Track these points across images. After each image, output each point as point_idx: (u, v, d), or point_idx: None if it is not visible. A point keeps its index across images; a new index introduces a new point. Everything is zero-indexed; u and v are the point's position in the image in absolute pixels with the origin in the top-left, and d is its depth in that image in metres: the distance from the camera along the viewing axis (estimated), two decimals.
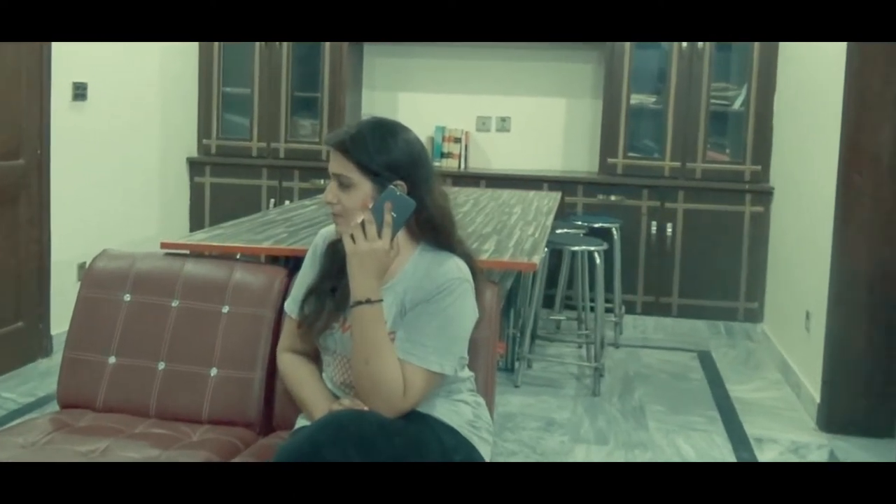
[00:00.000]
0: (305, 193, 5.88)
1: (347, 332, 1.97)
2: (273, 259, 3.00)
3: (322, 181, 5.89)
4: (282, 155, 6.11)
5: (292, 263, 2.62)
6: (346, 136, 1.94)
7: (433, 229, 1.98)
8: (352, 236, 1.88)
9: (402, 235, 1.96)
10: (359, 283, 1.88)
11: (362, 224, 1.87)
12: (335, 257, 2.02)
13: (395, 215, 1.88)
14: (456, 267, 1.96)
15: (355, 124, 1.97)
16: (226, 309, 2.36)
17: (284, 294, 2.29)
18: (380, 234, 1.87)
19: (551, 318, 5.46)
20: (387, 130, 1.95)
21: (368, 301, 1.87)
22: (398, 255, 1.93)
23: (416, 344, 1.90)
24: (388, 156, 1.92)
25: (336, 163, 1.95)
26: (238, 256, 2.96)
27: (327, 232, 2.13)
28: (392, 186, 1.89)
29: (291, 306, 2.12)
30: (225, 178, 6.13)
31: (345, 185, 1.94)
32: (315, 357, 2.12)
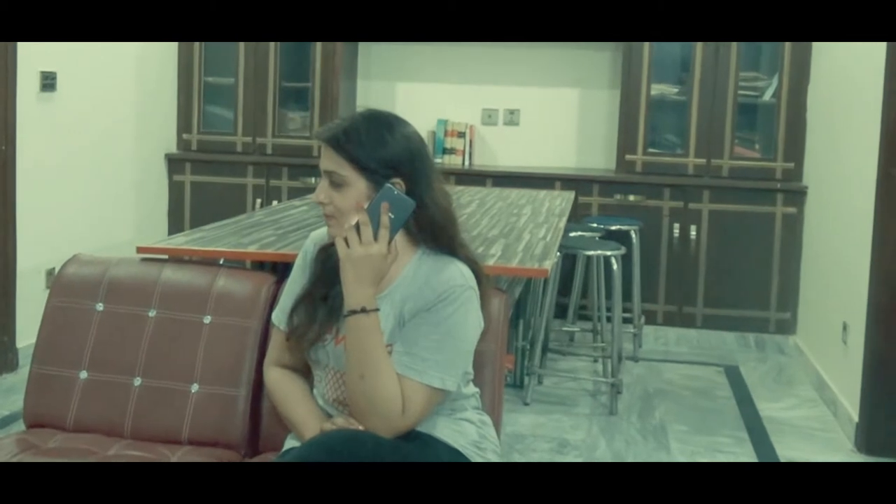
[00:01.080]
0: (295, 193, 5.89)
1: (341, 344, 1.97)
2: (260, 265, 3.00)
3: (313, 180, 5.90)
4: (269, 151, 6.11)
5: (281, 270, 2.62)
6: (339, 129, 1.94)
7: (434, 231, 1.98)
8: (345, 239, 1.88)
9: (400, 238, 1.97)
10: (353, 290, 1.88)
11: (356, 226, 1.87)
12: (327, 263, 2.03)
13: (392, 216, 1.88)
14: (459, 273, 1.96)
15: (349, 117, 1.97)
16: (208, 319, 2.36)
17: (272, 303, 2.29)
18: (376, 237, 1.87)
19: (564, 329, 5.46)
20: (383, 123, 1.96)
21: (364, 310, 1.87)
22: (396, 260, 1.93)
23: (416, 357, 1.90)
24: (384, 151, 1.92)
25: (328, 159, 1.95)
26: (221, 262, 2.96)
27: (318, 235, 2.13)
28: (389, 185, 1.90)
29: (279, 316, 2.12)
30: (207, 176, 6.14)
31: (337, 183, 1.94)
32: (305, 372, 2.12)
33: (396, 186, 1.91)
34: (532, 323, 4.70)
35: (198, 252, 2.89)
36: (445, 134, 6.28)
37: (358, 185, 1.93)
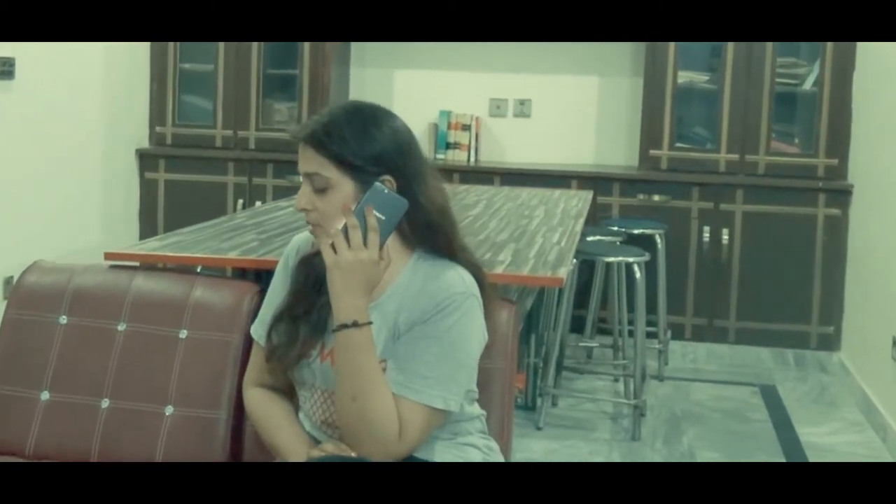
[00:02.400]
0: (281, 192, 5.90)
1: (328, 360, 1.97)
2: (241, 273, 3.01)
3: (301, 178, 5.90)
4: (252, 146, 6.12)
5: (265, 278, 2.62)
6: (318, 126, 1.94)
7: (430, 232, 1.98)
8: (332, 245, 1.88)
9: (393, 242, 1.97)
10: (342, 301, 1.88)
11: (344, 230, 1.88)
12: (311, 269, 2.03)
13: (383, 217, 1.88)
14: (459, 279, 1.96)
15: (328, 112, 1.98)
16: (184, 334, 2.37)
17: (255, 315, 2.29)
18: (366, 242, 1.88)
19: (581, 344, 5.46)
20: (368, 117, 1.96)
21: (355, 324, 1.87)
22: (389, 266, 1.94)
23: (413, 375, 1.91)
24: (371, 147, 1.93)
25: (308, 160, 1.95)
26: (199, 269, 2.96)
27: (302, 238, 2.14)
28: (378, 183, 1.90)
29: (259, 331, 2.13)
30: (183, 173, 6.15)
31: (320, 186, 1.94)
32: (289, 392, 2.12)
33: (386, 185, 1.91)
34: (545, 338, 4.70)
35: (172, 258, 2.90)
36: (449, 127, 6.29)
37: (344, 187, 1.93)
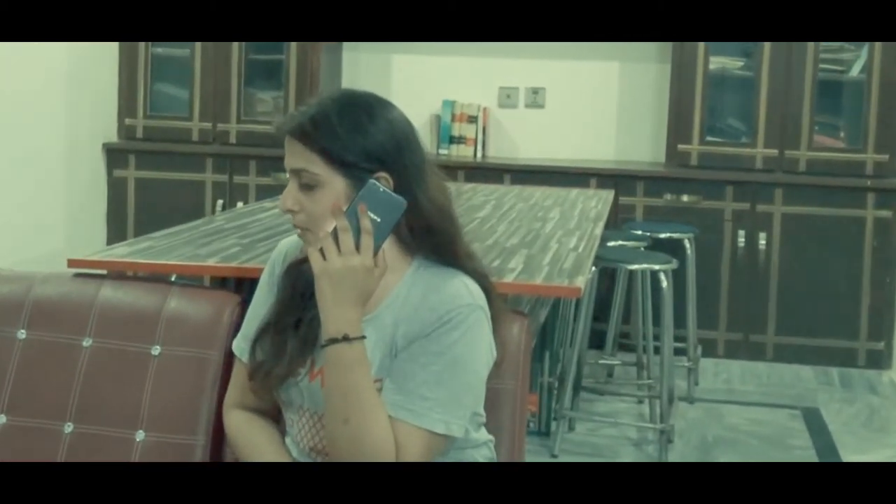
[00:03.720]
0: (265, 192, 5.91)
1: (317, 379, 1.97)
2: (221, 282, 3.01)
3: (286, 175, 5.91)
4: (233, 140, 6.13)
5: (248, 288, 2.63)
6: (306, 117, 1.94)
7: (431, 237, 1.98)
8: (321, 251, 1.89)
9: (390, 247, 1.96)
10: (332, 313, 1.88)
11: (334, 233, 1.88)
12: (300, 277, 2.03)
13: (378, 219, 1.88)
14: (464, 289, 1.96)
15: (316, 102, 1.98)
16: (156, 350, 2.37)
17: (236, 329, 2.30)
18: (358, 246, 1.88)
19: (601, 362, 5.46)
20: (361, 107, 1.96)
21: (346, 338, 1.87)
22: (385, 274, 1.94)
23: (413, 395, 1.91)
24: (365, 140, 1.93)
25: (294, 155, 1.95)
26: (174, 278, 2.96)
27: (290, 243, 2.14)
28: (373, 181, 1.91)
29: (241, 346, 2.13)
30: (155, 170, 6.16)
31: (308, 184, 1.94)
32: (274, 415, 2.12)
33: (382, 182, 1.91)
34: (561, 355, 4.70)
35: (144, 266, 2.91)
36: (453, 119, 6.30)
37: (334, 185, 1.93)
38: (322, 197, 1.93)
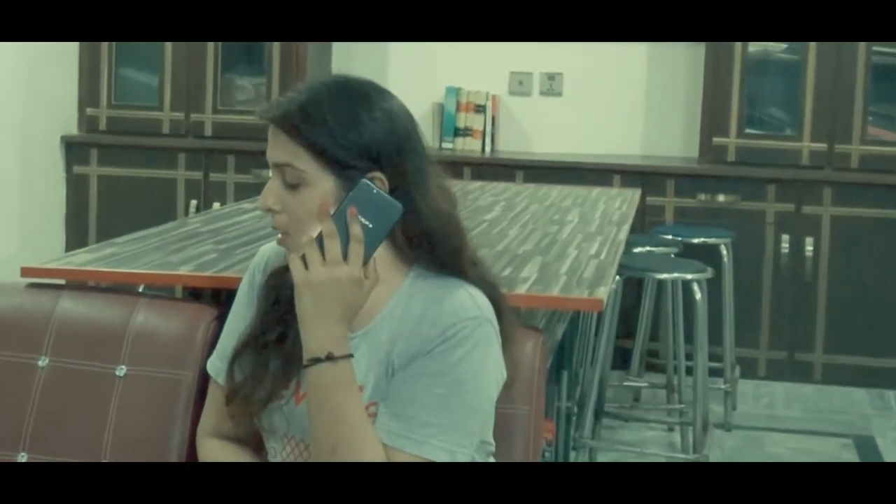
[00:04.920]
0: (245, 191, 5.91)
1: (303, 403, 1.98)
2: (195, 293, 3.01)
3: (268, 173, 5.91)
4: (208, 132, 6.14)
5: (225, 300, 2.63)
6: (294, 105, 1.94)
7: (431, 245, 1.98)
8: (303, 258, 1.88)
9: (383, 255, 1.96)
10: (314, 330, 1.88)
11: (319, 239, 1.88)
12: (284, 287, 2.03)
13: (370, 225, 1.87)
14: (470, 300, 1.96)
15: (307, 88, 1.97)
16: (122, 371, 2.37)
17: (212, 347, 2.30)
18: (345, 255, 1.88)
19: (626, 384, 5.46)
20: (356, 96, 1.96)
21: (330, 357, 1.87)
22: (377, 285, 1.93)
23: (412, 422, 1.90)
24: (360, 134, 1.92)
25: (279, 147, 1.95)
26: (141, 289, 2.96)
27: (271, 250, 2.14)
28: (366, 181, 1.90)
29: (217, 366, 2.13)
30: (121, 167, 6.17)
31: (293, 182, 1.94)
32: (255, 444, 2.12)
33: (376, 183, 1.91)
34: (581, 376, 4.69)
35: (108, 275, 2.90)
36: (458, 108, 6.30)
37: (322, 184, 1.92)
38: (307, 197, 1.93)
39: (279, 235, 2.00)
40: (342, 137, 1.92)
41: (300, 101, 1.94)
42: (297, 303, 1.89)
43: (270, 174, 1.99)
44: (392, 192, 1.92)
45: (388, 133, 1.95)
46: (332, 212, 1.87)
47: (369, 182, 1.89)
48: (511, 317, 2.06)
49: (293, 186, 1.94)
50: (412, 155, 1.97)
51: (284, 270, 2.02)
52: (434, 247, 1.98)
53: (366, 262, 1.88)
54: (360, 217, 1.87)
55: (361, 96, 1.96)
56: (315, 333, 1.88)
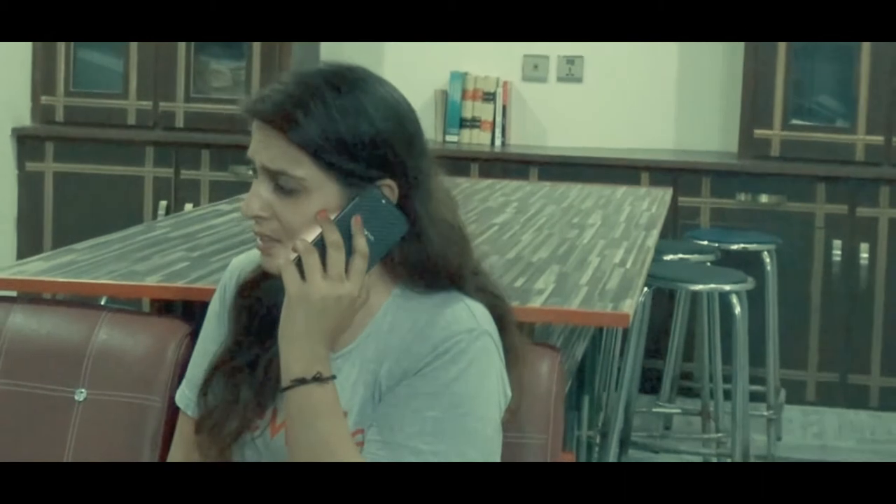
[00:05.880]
0: (221, 190, 5.91)
1: (281, 434, 1.98)
2: (165, 307, 3.02)
3: (249, 170, 5.92)
4: (180, 123, 6.14)
5: (198, 314, 2.64)
6: (289, 99, 1.90)
7: (428, 261, 1.96)
8: (297, 266, 1.88)
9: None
10: (299, 347, 1.88)
11: (319, 245, 1.86)
12: (257, 302, 2.04)
13: (372, 238, 1.87)
14: (466, 311, 1.96)
15: (295, 77, 1.93)
16: (81, 395, 2.37)
17: (184, 367, 2.31)
18: (347, 271, 1.87)
19: (656, 410, 5.46)
20: (359, 87, 1.92)
21: (318, 378, 1.88)
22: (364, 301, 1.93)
23: (403, 449, 1.90)
24: (367, 133, 1.89)
25: (270, 150, 1.91)
26: (103, 302, 2.96)
27: (243, 262, 2.14)
28: (375, 189, 1.88)
29: (186, 397, 2.13)
30: (80, 163, 6.17)
31: (288, 188, 1.92)
32: None
33: (385, 191, 1.90)
34: (603, 401, 4.70)
35: (65, 286, 2.91)
36: (464, 96, 6.30)
37: (323, 192, 1.90)
38: (305, 205, 1.90)
39: (259, 241, 1.96)
40: (349, 136, 1.89)
41: (295, 93, 1.90)
42: (285, 317, 1.89)
43: (254, 173, 1.95)
44: (399, 202, 1.91)
45: (397, 131, 1.92)
46: (333, 217, 1.87)
47: (379, 190, 1.89)
48: (518, 333, 2.06)
49: (287, 192, 1.91)
50: (420, 156, 1.95)
51: (258, 281, 2.03)
52: (432, 263, 1.96)
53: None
54: (362, 229, 1.87)
55: (364, 87, 1.93)
56: (300, 352, 1.88)
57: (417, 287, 1.99)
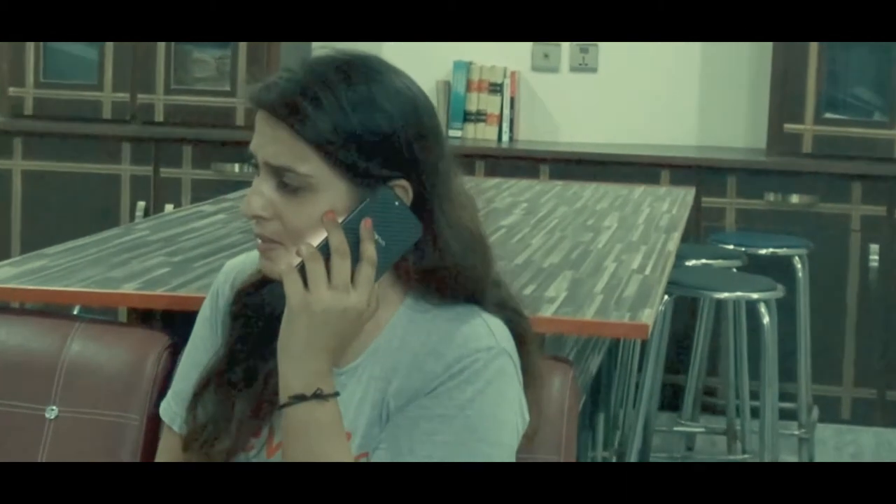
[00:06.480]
0: (205, 190, 5.90)
1: (277, 456, 1.98)
2: (144, 317, 3.02)
3: (236, 167, 5.92)
4: (160, 117, 6.14)
5: (181, 324, 2.64)
6: (296, 87, 1.88)
7: (445, 271, 1.96)
8: (301, 273, 1.87)
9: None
10: (300, 362, 1.87)
11: (325, 251, 1.84)
12: (255, 309, 2.04)
13: (383, 243, 1.86)
14: (483, 328, 1.96)
15: (309, 64, 1.92)
16: (53, 412, 2.37)
17: (164, 383, 2.31)
18: (354, 279, 1.86)
19: (677, 429, 5.46)
20: (372, 77, 1.90)
21: (318, 395, 1.87)
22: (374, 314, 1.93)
23: None
24: (381, 128, 1.87)
25: (276, 145, 1.89)
26: (77, 311, 2.96)
27: (238, 265, 2.13)
28: (388, 189, 1.87)
29: (172, 411, 2.13)
30: (51, 160, 6.17)
31: (292, 186, 1.90)
32: None
33: (398, 192, 1.88)
34: (621, 418, 4.70)
35: (35, 294, 2.91)
36: (469, 88, 6.31)
37: (332, 191, 1.88)
38: (311, 205, 1.89)
39: (260, 243, 1.94)
40: (360, 131, 1.87)
41: (303, 81, 1.89)
42: (285, 328, 1.88)
43: (256, 169, 1.93)
44: (414, 204, 1.89)
45: (413, 128, 1.90)
46: (341, 220, 1.85)
47: (392, 191, 1.88)
48: (536, 350, 2.06)
49: (293, 190, 1.89)
50: (438, 155, 1.94)
51: (256, 286, 2.02)
52: (449, 273, 1.95)
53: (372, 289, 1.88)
54: (371, 233, 1.85)
55: (378, 77, 1.91)
56: (301, 367, 1.87)
57: (431, 298, 1.98)
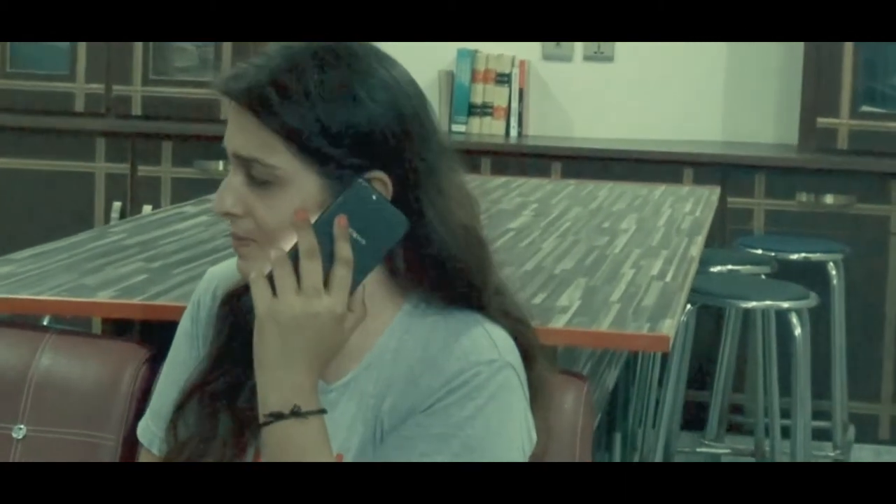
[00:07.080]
0: (187, 190, 5.91)
1: None
2: (120, 328, 3.02)
3: (220, 165, 5.93)
4: (137, 110, 6.15)
5: (158, 336, 2.64)
6: (264, 76, 1.91)
7: (442, 273, 1.96)
8: (269, 279, 1.88)
9: (372, 279, 1.94)
10: (275, 376, 1.87)
11: (293, 256, 1.85)
12: (240, 318, 2.04)
13: (363, 241, 1.86)
14: (485, 339, 1.96)
15: (280, 52, 1.94)
16: (20, 432, 2.38)
17: (142, 399, 2.31)
18: (327, 282, 1.86)
19: (701, 450, 5.46)
20: (350, 66, 1.92)
21: (296, 412, 1.87)
22: (363, 321, 1.93)
23: None
24: (355, 117, 1.89)
25: (244, 135, 1.92)
26: (46, 321, 2.96)
27: (222, 272, 2.14)
28: (363, 182, 1.89)
29: (151, 431, 2.13)
30: (18, 157, 6.18)
31: (262, 179, 1.92)
32: None
33: (376, 185, 1.89)
34: (640, 439, 4.70)
35: (2, 303, 2.92)
36: (474, 78, 6.31)
37: (302, 184, 1.90)
38: (281, 199, 1.90)
39: (239, 251, 1.96)
40: (332, 121, 1.88)
41: (273, 69, 1.91)
42: (256, 340, 1.88)
43: (229, 166, 1.95)
44: (396, 198, 1.90)
45: (394, 117, 1.91)
46: (313, 220, 1.85)
47: (367, 183, 1.88)
48: (545, 363, 2.06)
49: (263, 185, 1.91)
50: (425, 147, 1.94)
51: (242, 293, 2.02)
52: (446, 275, 1.96)
53: (352, 291, 1.87)
54: (351, 230, 1.85)
55: (357, 65, 1.93)
56: (277, 381, 1.87)
57: (429, 302, 1.98)
